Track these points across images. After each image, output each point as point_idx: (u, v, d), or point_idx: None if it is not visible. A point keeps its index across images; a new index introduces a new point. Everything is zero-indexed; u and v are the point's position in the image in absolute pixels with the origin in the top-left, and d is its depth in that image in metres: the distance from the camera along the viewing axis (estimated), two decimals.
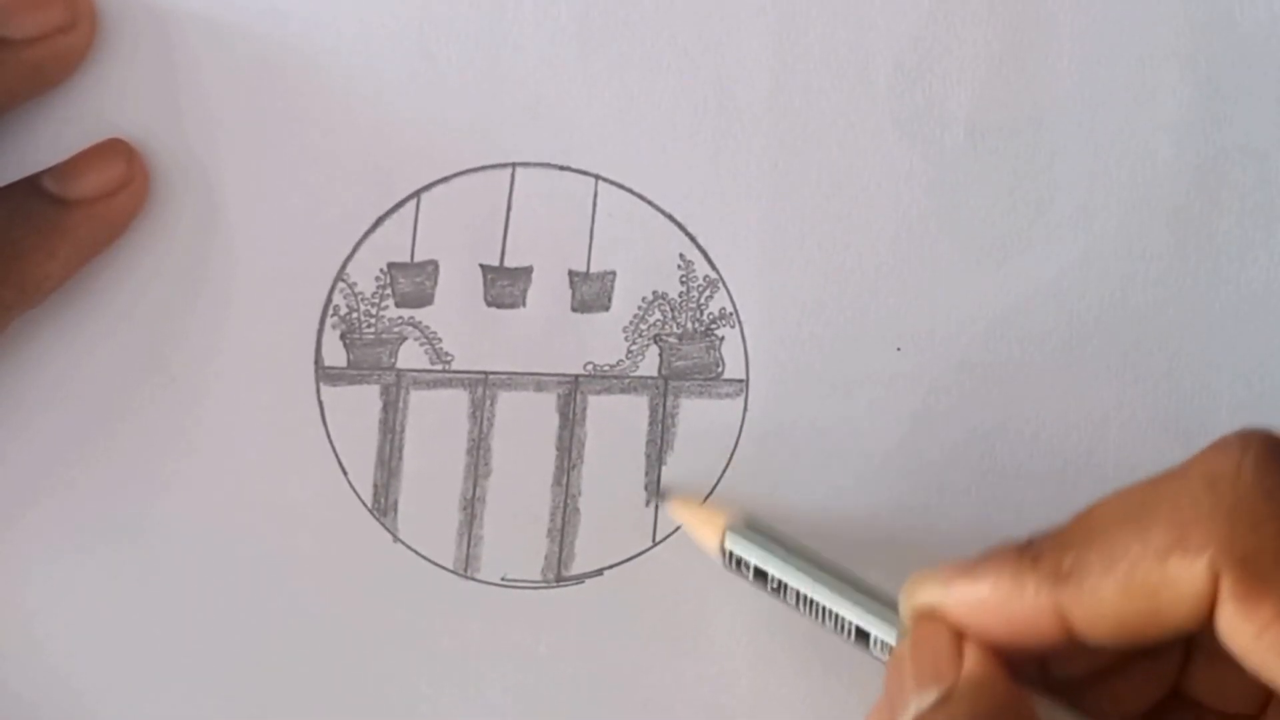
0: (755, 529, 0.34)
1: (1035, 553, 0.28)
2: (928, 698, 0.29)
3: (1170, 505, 0.27)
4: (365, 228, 0.36)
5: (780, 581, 0.33)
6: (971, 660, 0.29)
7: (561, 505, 0.36)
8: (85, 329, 0.36)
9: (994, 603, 0.29)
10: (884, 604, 0.32)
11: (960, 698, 0.29)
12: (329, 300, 0.36)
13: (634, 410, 0.36)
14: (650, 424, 0.36)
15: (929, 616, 0.30)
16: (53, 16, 0.35)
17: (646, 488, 0.36)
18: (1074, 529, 0.28)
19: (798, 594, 0.33)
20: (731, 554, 0.34)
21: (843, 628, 0.32)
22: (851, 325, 0.36)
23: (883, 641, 0.31)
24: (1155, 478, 0.28)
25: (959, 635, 0.29)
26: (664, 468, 0.36)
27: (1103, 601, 0.27)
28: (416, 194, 0.36)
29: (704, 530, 0.35)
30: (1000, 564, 0.29)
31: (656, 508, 0.36)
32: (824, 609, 0.32)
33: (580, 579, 0.36)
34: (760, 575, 0.33)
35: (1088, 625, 0.28)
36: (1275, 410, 0.37)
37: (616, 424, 0.36)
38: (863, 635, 0.32)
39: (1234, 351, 0.37)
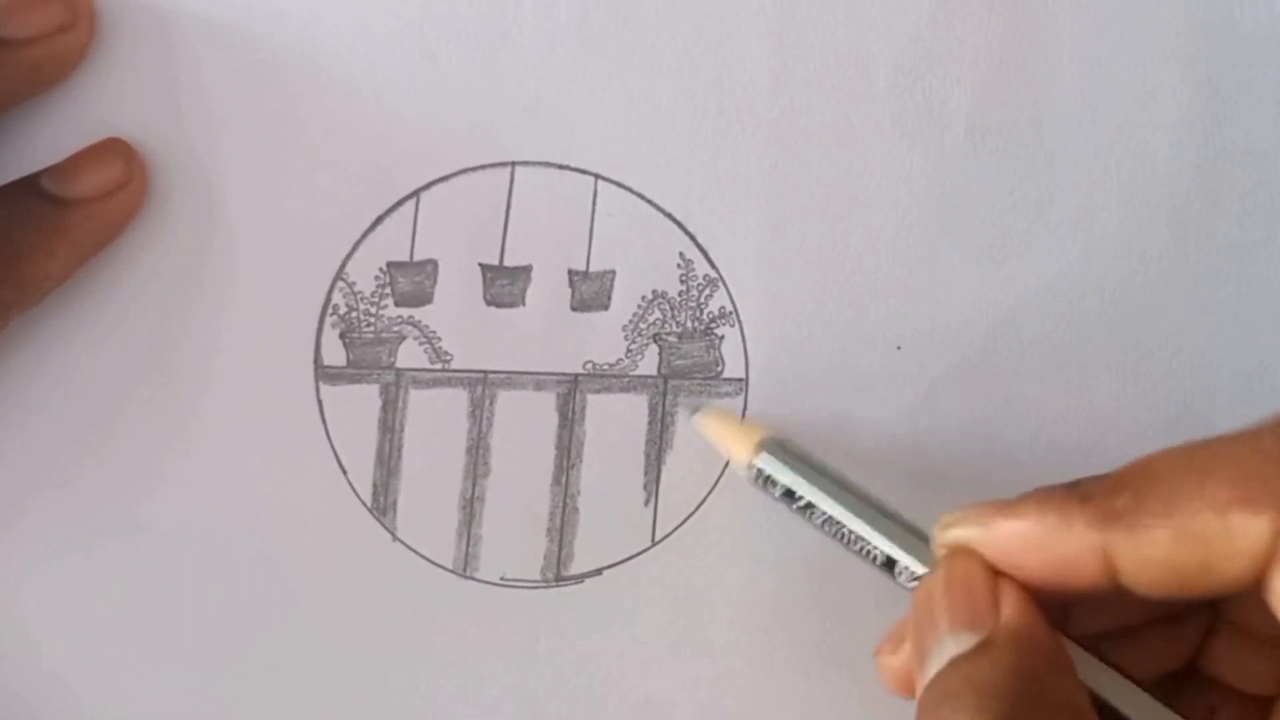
0: (788, 450, 0.33)
1: (1084, 492, 0.28)
2: (964, 641, 0.28)
3: (1238, 460, 0.27)
4: (364, 227, 0.36)
5: (808, 502, 0.33)
6: (1011, 606, 0.28)
7: (561, 504, 0.36)
8: (84, 329, 0.36)
9: (1037, 539, 0.28)
10: (915, 535, 0.31)
11: (1002, 646, 0.28)
12: (328, 299, 0.36)
13: (633, 409, 0.36)
14: (650, 423, 0.36)
15: (964, 552, 0.29)
16: (52, 16, 0.35)
17: (645, 487, 0.36)
18: (1129, 473, 0.28)
19: (826, 516, 0.32)
20: (761, 472, 0.33)
21: (869, 555, 0.32)
22: (851, 325, 0.36)
23: (910, 571, 0.31)
24: (1222, 435, 0.28)
25: (995, 576, 0.29)
26: (664, 468, 0.36)
27: (1155, 547, 0.27)
28: (416, 193, 0.36)
29: (735, 446, 0.34)
30: (1046, 501, 0.28)
31: (655, 508, 0.36)
32: (851, 534, 0.32)
33: (579, 578, 0.36)
34: (789, 495, 0.33)
35: (1135, 570, 0.27)
36: (1275, 410, 0.36)
37: (616, 423, 0.36)
38: (889, 564, 0.31)
39: (1234, 352, 0.37)
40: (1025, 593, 0.28)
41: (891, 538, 0.31)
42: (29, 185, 0.35)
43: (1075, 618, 0.30)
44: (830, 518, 0.32)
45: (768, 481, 0.33)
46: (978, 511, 0.29)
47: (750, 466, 0.33)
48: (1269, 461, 0.27)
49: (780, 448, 0.33)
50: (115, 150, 0.35)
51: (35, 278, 0.34)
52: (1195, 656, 0.31)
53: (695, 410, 0.35)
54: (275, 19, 0.36)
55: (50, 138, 0.36)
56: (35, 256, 0.34)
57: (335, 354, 0.36)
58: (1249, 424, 0.28)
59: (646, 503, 0.36)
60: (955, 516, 0.30)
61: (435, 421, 0.36)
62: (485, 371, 0.36)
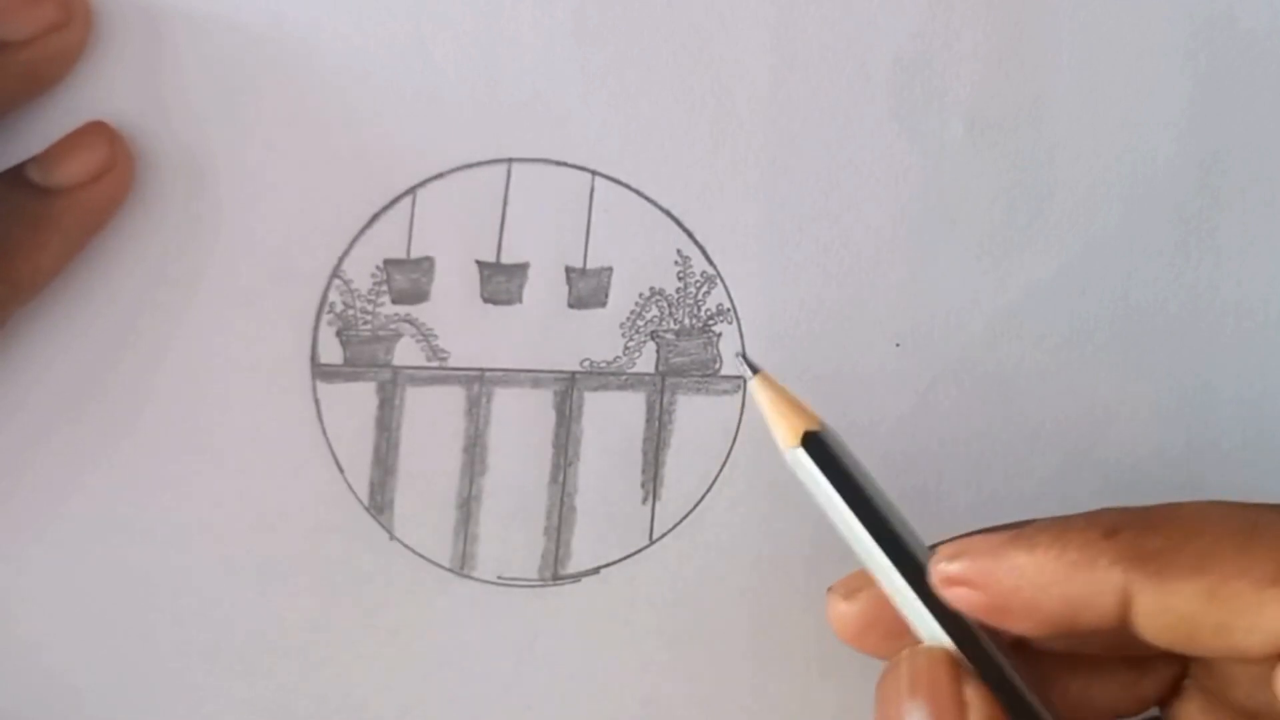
0: (828, 446, 0.30)
1: (1109, 525, 0.26)
2: None
3: None
4: (361, 224, 0.36)
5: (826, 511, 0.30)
6: (977, 715, 0.27)
7: (558, 503, 0.36)
8: (79, 327, 0.36)
9: (1053, 575, 0.26)
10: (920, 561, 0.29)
11: None
12: (325, 297, 0.36)
13: (631, 407, 0.36)
14: (647, 421, 0.36)
15: (930, 652, 0.28)
16: (46, 15, 0.35)
17: (643, 485, 0.36)
18: (1161, 516, 0.27)
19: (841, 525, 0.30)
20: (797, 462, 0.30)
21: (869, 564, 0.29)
22: (850, 321, 0.36)
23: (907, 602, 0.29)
24: (1273, 505, 0.27)
25: (960, 676, 0.27)
26: (663, 466, 0.36)
27: (1180, 599, 0.26)
28: (412, 190, 0.36)
29: (781, 425, 0.30)
30: (1064, 532, 0.27)
31: (653, 507, 0.36)
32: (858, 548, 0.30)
33: (577, 577, 0.36)
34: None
35: (1150, 617, 0.26)
36: (1276, 408, 0.36)
37: (613, 421, 0.36)
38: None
39: (1235, 348, 0.37)
40: (991, 701, 0.27)
41: (896, 564, 0.29)
42: (14, 178, 0.35)
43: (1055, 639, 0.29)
44: (842, 530, 0.30)
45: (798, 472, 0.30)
46: (985, 542, 0.27)
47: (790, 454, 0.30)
48: None
49: (819, 447, 0.30)
50: (98, 134, 0.35)
51: (28, 271, 0.34)
52: (1163, 710, 0.30)
53: (752, 368, 0.31)
54: (271, 15, 0.36)
55: (44, 135, 0.36)
56: (26, 249, 0.34)
57: (332, 351, 0.36)
58: None
59: (644, 501, 0.36)
60: (956, 547, 0.28)
61: (432, 419, 0.36)
62: (482, 369, 0.36)
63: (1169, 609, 0.26)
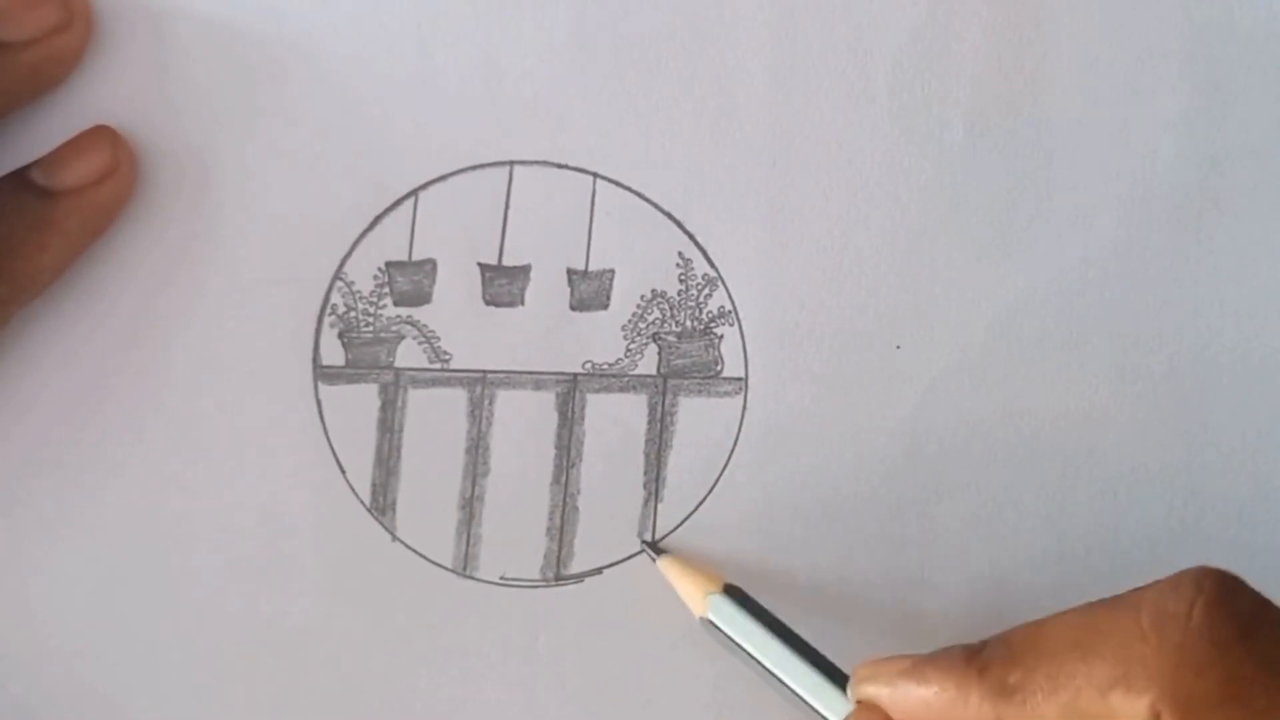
0: (734, 601, 0.34)
1: (982, 663, 0.29)
2: None
3: (1119, 638, 0.28)
4: (363, 226, 0.36)
5: (750, 655, 0.34)
6: None
7: (560, 504, 0.36)
8: (81, 327, 0.36)
9: (937, 707, 0.30)
10: (838, 685, 0.33)
11: None
12: (327, 299, 0.36)
13: (633, 409, 0.36)
14: (649, 423, 0.36)
15: (871, 708, 0.31)
16: (47, 16, 0.35)
17: (645, 486, 0.36)
18: (1023, 645, 0.29)
19: (763, 668, 0.34)
20: (711, 623, 0.34)
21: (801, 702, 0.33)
22: (851, 323, 0.36)
23: None
24: (1106, 603, 0.29)
25: None
26: (664, 467, 0.36)
27: None
28: (414, 192, 0.36)
29: (689, 593, 0.35)
30: (947, 669, 0.30)
31: (655, 507, 0.36)
32: (785, 686, 0.33)
33: (579, 578, 0.36)
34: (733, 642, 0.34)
35: None
36: (1275, 409, 0.36)
37: (615, 423, 0.36)
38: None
39: (1234, 351, 0.37)
40: None
41: (817, 695, 0.33)
42: (18, 179, 0.35)
43: None
44: (766, 670, 0.34)
45: (716, 629, 0.34)
46: (888, 668, 0.31)
47: (701, 619, 0.35)
48: (1145, 639, 0.28)
49: (727, 603, 0.34)
50: (101, 138, 0.35)
51: (29, 272, 0.34)
52: None
53: (658, 553, 0.36)
54: (273, 17, 0.36)
55: (47, 137, 0.36)
56: (27, 250, 0.34)
57: (334, 354, 0.36)
58: (1134, 589, 0.29)
59: (646, 502, 0.36)
60: (868, 671, 0.31)
61: (434, 421, 0.36)
62: (484, 371, 0.36)
63: None
